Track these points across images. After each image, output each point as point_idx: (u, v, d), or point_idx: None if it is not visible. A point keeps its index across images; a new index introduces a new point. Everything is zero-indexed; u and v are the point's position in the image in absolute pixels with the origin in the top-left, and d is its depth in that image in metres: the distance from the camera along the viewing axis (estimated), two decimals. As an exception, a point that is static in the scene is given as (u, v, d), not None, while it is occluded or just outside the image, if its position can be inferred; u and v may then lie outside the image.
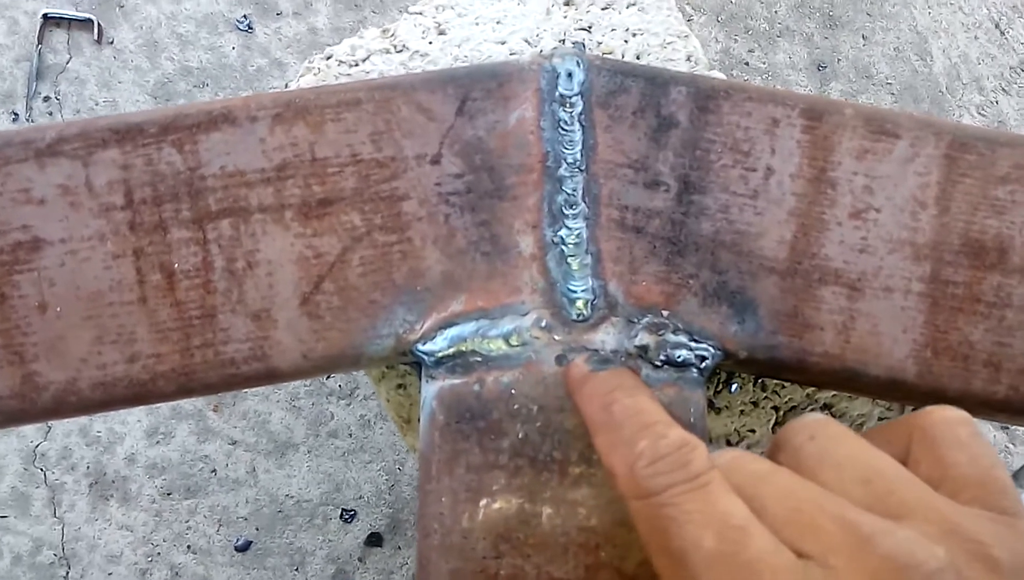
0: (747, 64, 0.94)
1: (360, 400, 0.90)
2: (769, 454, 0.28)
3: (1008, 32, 0.95)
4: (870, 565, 0.22)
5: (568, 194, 0.34)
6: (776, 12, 0.95)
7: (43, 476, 0.90)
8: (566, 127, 0.35)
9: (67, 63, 0.94)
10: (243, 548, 0.89)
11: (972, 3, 0.96)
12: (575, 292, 0.34)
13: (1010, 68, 0.96)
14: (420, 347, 0.34)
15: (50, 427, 0.90)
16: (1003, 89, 0.95)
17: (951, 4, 0.96)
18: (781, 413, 0.41)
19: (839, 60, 0.95)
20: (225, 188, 0.34)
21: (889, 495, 0.24)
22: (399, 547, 0.90)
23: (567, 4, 0.43)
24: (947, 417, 0.27)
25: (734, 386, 0.40)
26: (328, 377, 0.90)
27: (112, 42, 0.95)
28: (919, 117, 0.36)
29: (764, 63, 0.94)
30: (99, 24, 0.95)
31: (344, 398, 0.90)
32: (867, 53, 0.96)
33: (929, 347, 0.34)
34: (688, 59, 0.42)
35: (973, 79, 0.96)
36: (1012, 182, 0.35)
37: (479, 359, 0.33)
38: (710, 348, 0.34)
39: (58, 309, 0.33)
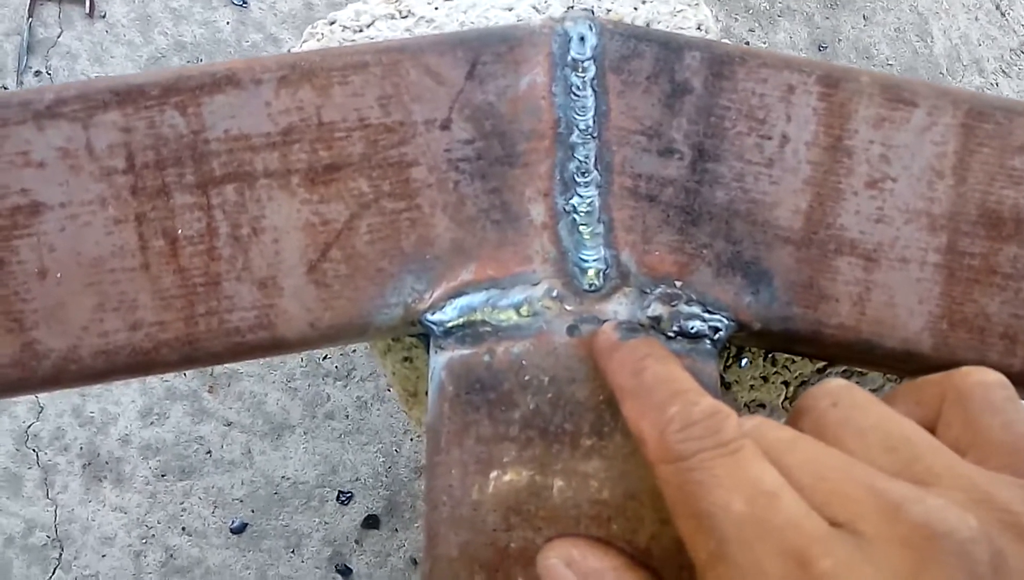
0: (748, 43, 0.93)
1: (357, 381, 0.90)
2: (790, 421, 0.28)
3: (1009, 13, 0.95)
4: (901, 532, 0.22)
5: (580, 161, 0.34)
6: (777, -9, 0.95)
7: (35, 457, 0.89)
8: (578, 92, 0.34)
9: (58, 37, 0.93)
10: (238, 530, 0.89)
11: (974, -16, 0.95)
12: (587, 261, 0.33)
13: (1010, 50, 0.95)
14: (429, 317, 0.33)
15: (43, 407, 0.89)
16: (1003, 71, 0.95)
17: (953, -15, 0.95)
18: (791, 388, 0.41)
19: (839, 40, 0.94)
20: (230, 152, 0.33)
21: (916, 462, 0.24)
22: (396, 529, 0.89)
23: (576, -29, 0.42)
24: (983, 380, 0.26)
25: (744, 361, 0.40)
26: (324, 357, 0.89)
27: (104, 16, 0.94)
28: (936, 86, 0.35)
29: (765, 42, 0.94)
30: (91, -2, 0.94)
31: (341, 379, 0.90)
32: (868, 33, 0.95)
33: (945, 319, 0.34)
34: (699, 28, 0.41)
35: (973, 60, 0.95)
36: (1030, 152, 0.34)
37: (489, 329, 0.33)
38: (724, 319, 0.33)
39: (58, 275, 0.33)
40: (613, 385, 0.30)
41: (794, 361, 0.40)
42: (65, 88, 0.33)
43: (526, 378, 0.32)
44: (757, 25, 0.95)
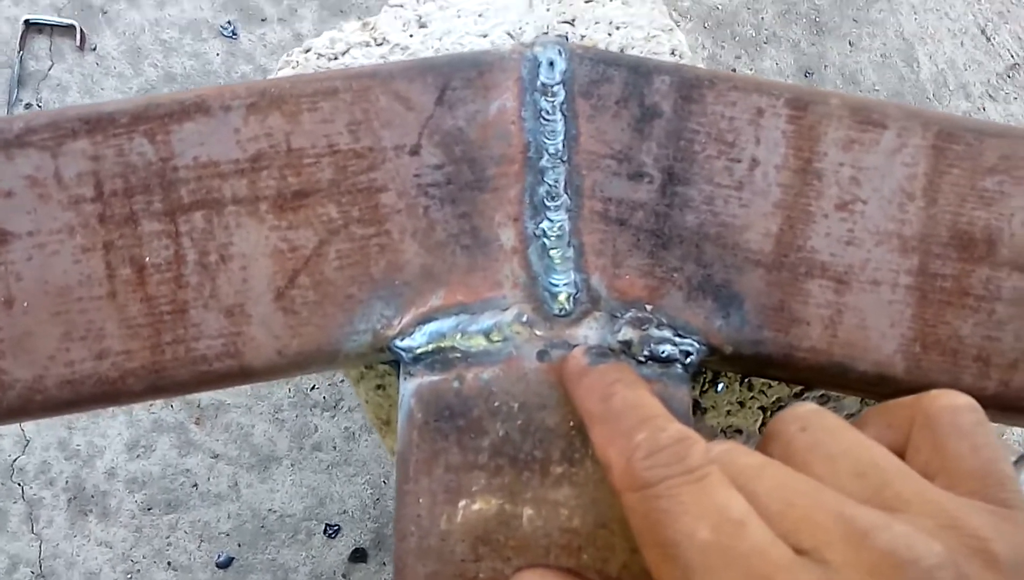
0: (734, 71, 0.94)
1: (345, 412, 0.89)
2: (761, 446, 0.27)
3: (994, 38, 0.96)
4: (867, 560, 0.21)
5: (550, 185, 0.34)
6: (763, 19, 0.95)
7: (20, 491, 0.88)
8: (548, 117, 0.34)
9: (49, 70, 0.93)
10: (225, 564, 0.87)
11: (958, 9, 0.96)
12: (557, 286, 0.33)
13: (996, 74, 0.96)
14: (398, 343, 0.33)
15: (29, 440, 0.88)
16: (990, 95, 0.96)
17: (937, 10, 0.96)
18: (768, 413, 0.41)
19: (826, 67, 0.94)
20: (198, 179, 0.33)
21: (884, 488, 0.24)
22: (384, 563, 0.88)
23: (550, -1, 0.42)
24: (952, 404, 0.26)
25: (720, 386, 0.39)
26: (312, 388, 0.89)
27: (95, 49, 0.94)
28: (906, 107, 0.35)
29: (751, 69, 0.94)
30: (82, 30, 0.94)
31: (328, 410, 0.89)
32: (854, 59, 0.96)
33: (918, 341, 0.33)
34: (673, 52, 0.42)
35: (960, 85, 0.96)
36: (1000, 173, 0.34)
37: (458, 355, 0.33)
38: (695, 343, 0.33)
39: (25, 304, 0.32)
40: (581, 411, 0.29)
41: (771, 386, 0.40)
42: (35, 116, 0.33)
43: (496, 404, 0.32)
44: (744, 53, 0.96)
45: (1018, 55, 0.96)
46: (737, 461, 0.25)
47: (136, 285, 0.33)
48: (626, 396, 0.28)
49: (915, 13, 0.97)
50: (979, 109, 0.97)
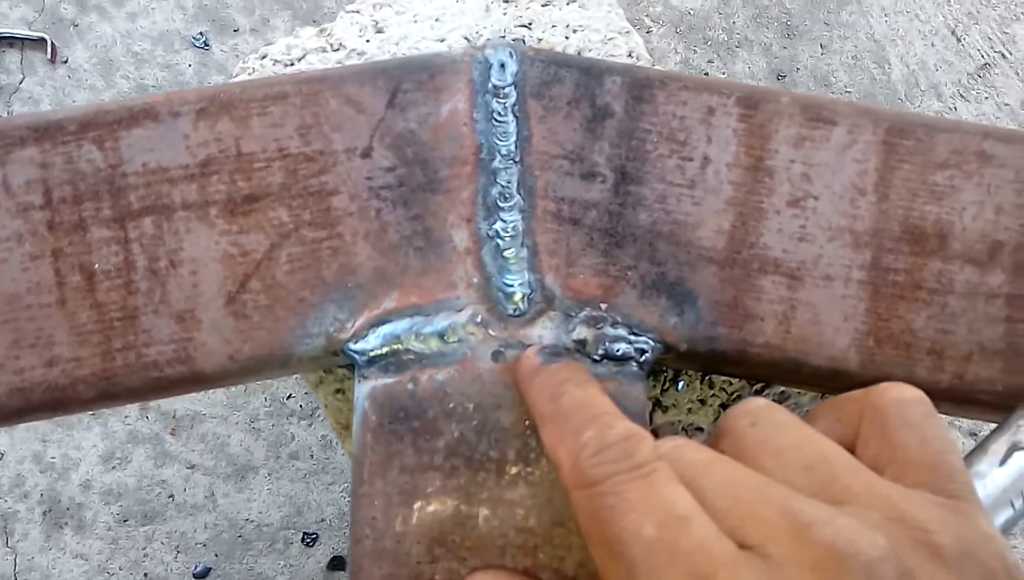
0: (707, 75, 0.94)
1: (321, 421, 0.89)
2: (712, 442, 0.27)
3: (964, 39, 0.96)
4: (809, 554, 0.21)
5: (503, 186, 0.34)
6: (734, 23, 0.96)
7: (-5, 505, 0.88)
8: (499, 118, 0.34)
9: (20, 83, 0.93)
10: (202, 575, 0.87)
11: (928, 11, 0.97)
12: (511, 286, 0.33)
13: (967, 74, 0.97)
14: (352, 346, 0.33)
15: (2, 453, 0.88)
16: (961, 95, 0.96)
17: (908, 12, 0.97)
18: (730, 411, 0.41)
19: (798, 69, 0.95)
20: (147, 185, 0.33)
21: (833, 482, 0.24)
22: (366, 570, 0.87)
23: (507, 1, 0.42)
24: (900, 397, 0.26)
25: (681, 384, 0.39)
26: (288, 397, 0.88)
27: (66, 61, 0.94)
28: (857, 104, 0.35)
29: (724, 73, 0.95)
30: (52, 43, 0.94)
31: (305, 418, 0.88)
32: (825, 62, 0.96)
33: (871, 336, 0.34)
34: (630, 55, 0.42)
35: (931, 86, 0.97)
36: (951, 168, 0.34)
37: (413, 357, 0.32)
38: (650, 341, 0.33)
39: (-28, 313, 0.32)
40: (532, 410, 0.29)
41: (731, 383, 0.40)
42: (-18, 125, 0.33)
43: (450, 406, 0.32)
44: (716, 56, 0.96)
45: (988, 55, 0.97)
46: (685, 456, 0.25)
47: (86, 292, 0.32)
48: (575, 395, 0.28)
49: (886, 15, 0.98)
50: (951, 109, 0.98)
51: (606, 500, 0.24)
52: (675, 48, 0.96)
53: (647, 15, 0.96)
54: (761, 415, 0.27)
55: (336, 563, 0.87)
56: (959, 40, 0.97)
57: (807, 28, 0.97)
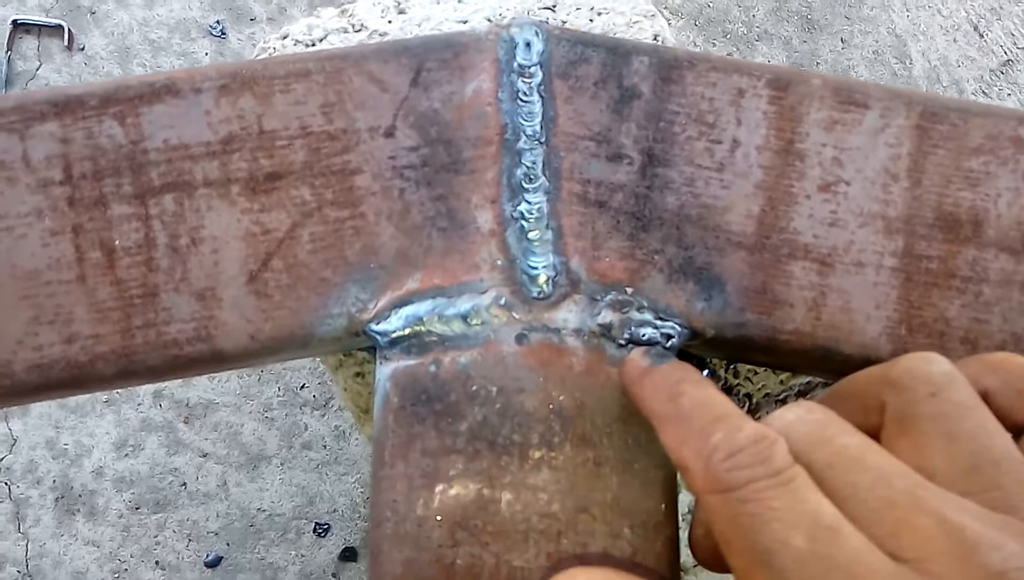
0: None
1: (335, 411, 0.88)
2: (873, 385, 0.26)
3: (987, 34, 0.95)
4: (975, 578, 0.20)
5: (528, 167, 0.33)
6: (754, 16, 0.95)
7: (7, 490, 0.88)
8: (525, 98, 0.33)
9: (37, 70, 0.93)
10: (213, 564, 0.87)
11: (950, 5, 0.95)
12: (536, 268, 0.32)
13: (990, 70, 0.95)
14: (374, 327, 0.32)
15: (16, 439, 0.88)
16: (983, 92, 0.95)
17: (930, 7, 0.96)
18: (754, 401, 0.40)
19: (818, 64, 0.94)
20: (168, 162, 0.33)
21: (993, 489, 0.22)
22: (377, 562, 0.87)
23: (531, -17, 0.42)
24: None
25: (705, 372, 0.39)
26: (302, 386, 0.88)
27: (83, 48, 0.94)
28: (889, 88, 0.34)
29: (742, 67, 0.94)
30: (70, 30, 0.94)
31: (319, 408, 0.88)
32: (846, 56, 0.95)
33: (903, 324, 0.33)
34: (655, 38, 0.41)
35: (953, 81, 0.95)
36: (986, 153, 0.34)
37: (435, 339, 0.32)
38: (676, 326, 0.32)
39: (-9, 289, 0.32)
40: (648, 412, 0.28)
41: (757, 373, 0.39)
42: (2, 100, 0.33)
43: (473, 388, 0.32)
44: (735, 50, 0.96)
45: (1011, 51, 0.96)
46: (833, 442, 0.24)
47: (106, 268, 0.32)
48: (694, 395, 0.26)
49: (907, 10, 0.97)
50: (972, 105, 0.97)
51: (746, 507, 0.23)
52: (694, 41, 0.95)
53: (666, 7, 0.95)
54: (944, 387, 0.24)
55: (348, 554, 0.87)
56: (981, 36, 0.96)
57: (828, 22, 0.96)
